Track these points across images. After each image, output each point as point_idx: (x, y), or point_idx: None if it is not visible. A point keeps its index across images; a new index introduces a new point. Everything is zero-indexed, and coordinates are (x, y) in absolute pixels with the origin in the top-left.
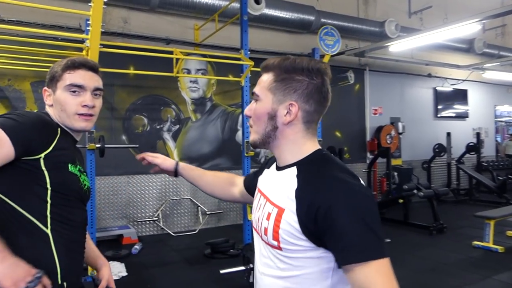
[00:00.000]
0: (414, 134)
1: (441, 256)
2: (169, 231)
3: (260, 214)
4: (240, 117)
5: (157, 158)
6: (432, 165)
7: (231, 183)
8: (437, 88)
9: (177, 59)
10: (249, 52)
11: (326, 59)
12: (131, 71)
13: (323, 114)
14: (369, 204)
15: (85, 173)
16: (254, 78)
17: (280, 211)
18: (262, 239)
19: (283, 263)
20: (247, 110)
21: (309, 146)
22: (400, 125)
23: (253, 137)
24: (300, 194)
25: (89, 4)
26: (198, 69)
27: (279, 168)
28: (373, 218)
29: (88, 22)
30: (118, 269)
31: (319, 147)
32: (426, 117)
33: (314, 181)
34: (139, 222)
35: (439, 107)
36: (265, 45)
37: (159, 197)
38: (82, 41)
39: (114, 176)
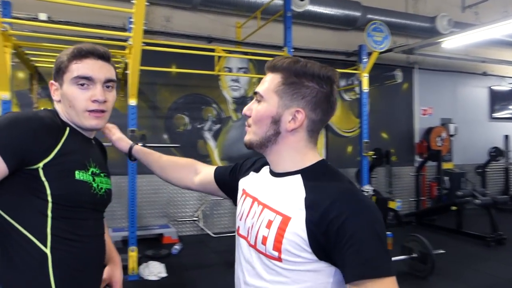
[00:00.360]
0: (467, 136)
1: (501, 270)
2: (209, 232)
3: (254, 221)
4: None
5: (113, 135)
6: (487, 169)
7: (190, 170)
8: (492, 87)
9: (219, 57)
10: (292, 50)
11: (374, 56)
12: (173, 69)
13: (326, 123)
14: (380, 218)
15: (103, 174)
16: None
17: (286, 219)
18: (257, 249)
19: (280, 275)
20: (246, 110)
21: (311, 155)
22: (451, 126)
23: (250, 137)
24: (310, 204)
25: (132, 1)
26: (239, 68)
27: (276, 174)
28: (385, 234)
29: (131, 20)
30: (158, 270)
31: (321, 157)
32: (481, 119)
33: (326, 191)
34: (179, 222)
35: (495, 107)
36: (308, 42)
37: (199, 197)
38: (125, 40)
39: (155, 175)
